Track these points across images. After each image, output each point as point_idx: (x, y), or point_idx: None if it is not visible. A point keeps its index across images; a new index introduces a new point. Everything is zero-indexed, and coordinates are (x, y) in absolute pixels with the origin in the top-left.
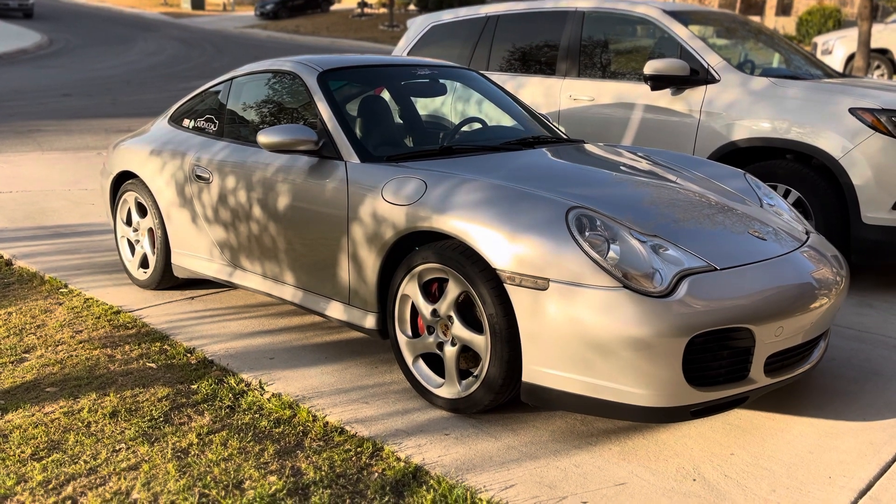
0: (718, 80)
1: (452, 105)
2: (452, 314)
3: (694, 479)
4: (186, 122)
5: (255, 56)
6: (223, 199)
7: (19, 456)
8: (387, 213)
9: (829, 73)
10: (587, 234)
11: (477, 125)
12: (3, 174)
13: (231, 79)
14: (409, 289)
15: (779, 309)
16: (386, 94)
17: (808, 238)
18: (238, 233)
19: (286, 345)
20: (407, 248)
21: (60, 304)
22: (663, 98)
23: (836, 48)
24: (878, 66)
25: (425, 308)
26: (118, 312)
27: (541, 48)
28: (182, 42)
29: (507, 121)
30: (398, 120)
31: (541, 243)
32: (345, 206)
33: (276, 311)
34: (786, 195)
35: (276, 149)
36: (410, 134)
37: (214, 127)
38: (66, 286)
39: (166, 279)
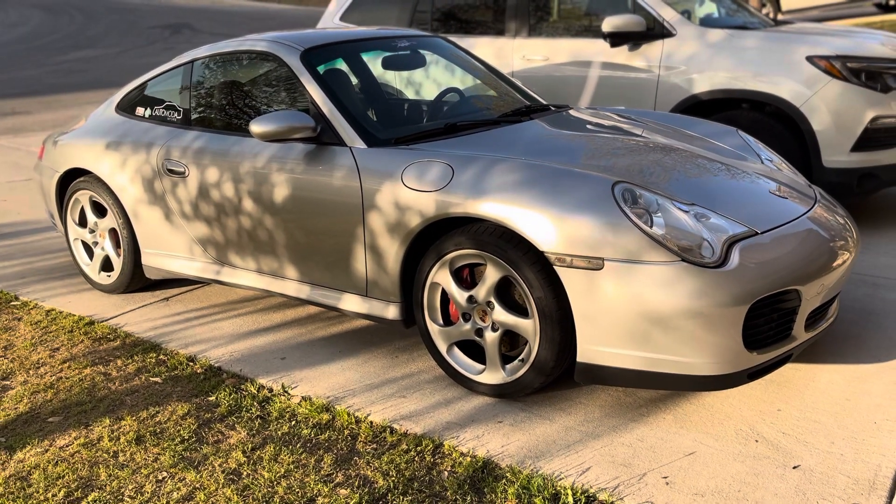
0: (675, 34)
1: (430, 77)
2: (493, 299)
3: (756, 441)
4: (140, 110)
5: (131, 22)
6: (204, 194)
7: (52, 500)
8: (411, 201)
9: (762, 20)
10: (635, 206)
11: (457, 97)
12: None
13: (191, 62)
14: (440, 276)
15: (820, 267)
16: (375, 70)
17: (816, 192)
18: (225, 228)
19: (293, 342)
20: (432, 234)
21: (20, 320)
22: (620, 54)
23: None
24: (764, 5)
25: (460, 295)
26: (91, 323)
27: (488, 7)
28: (44, 10)
29: (486, 90)
30: (391, 97)
31: (591, 222)
32: (358, 195)
33: (265, 306)
34: None
35: (272, 138)
36: (407, 112)
37: (179, 115)
38: (17, 298)
39: (135, 281)
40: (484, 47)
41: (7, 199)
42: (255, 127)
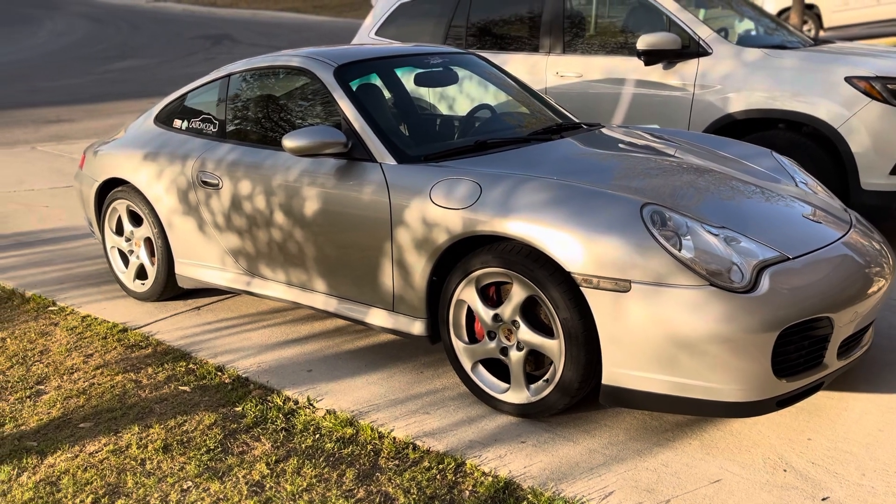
0: (711, 53)
1: (462, 94)
2: (518, 318)
3: (784, 470)
4: (178, 122)
5: (174, 33)
6: (237, 206)
7: None
8: (438, 218)
9: (802, 39)
10: (663, 229)
11: (489, 114)
12: None
13: (228, 76)
14: (466, 294)
15: (854, 294)
16: (408, 86)
17: (851, 217)
18: (256, 240)
19: (320, 354)
20: (459, 252)
21: (56, 325)
22: (655, 72)
23: (767, 3)
24: (805, 21)
25: (485, 313)
26: (125, 330)
27: (522, 23)
28: (92, 20)
29: (518, 108)
30: (423, 114)
31: (619, 244)
32: (386, 211)
33: (294, 317)
34: None
35: (304, 153)
36: (438, 128)
37: (214, 128)
38: (54, 303)
39: (168, 290)
40: (518, 63)
41: (49, 205)
42: (288, 142)
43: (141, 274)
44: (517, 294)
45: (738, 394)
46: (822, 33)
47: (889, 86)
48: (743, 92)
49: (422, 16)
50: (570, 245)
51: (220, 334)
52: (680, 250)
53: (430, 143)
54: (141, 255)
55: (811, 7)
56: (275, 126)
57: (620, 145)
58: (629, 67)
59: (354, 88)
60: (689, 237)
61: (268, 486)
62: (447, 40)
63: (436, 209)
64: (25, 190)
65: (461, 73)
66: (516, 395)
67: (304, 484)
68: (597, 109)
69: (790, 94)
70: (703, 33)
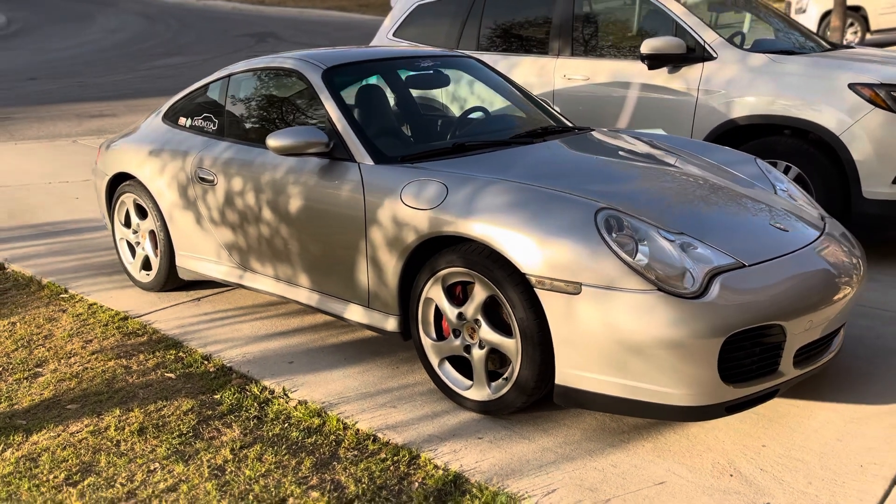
0: (715, 58)
1: (457, 96)
2: (480, 317)
3: (731, 475)
4: (183, 120)
5: (221, 30)
6: (230, 201)
7: (53, 482)
8: (408, 218)
9: (820, 44)
10: (618, 234)
11: (485, 117)
12: None
13: (228, 76)
14: (433, 292)
15: (809, 303)
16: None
17: (825, 225)
18: (247, 235)
19: (303, 347)
20: (428, 251)
21: (64, 312)
22: (660, 76)
23: (811, 6)
24: (851, 24)
25: (450, 311)
26: (126, 318)
27: (532, 26)
28: (144, 17)
29: (512, 111)
30: (407, 116)
31: (571, 247)
32: (361, 210)
33: (286, 311)
34: (786, 171)
35: (287, 152)
36: (421, 130)
37: (214, 126)
38: (66, 291)
39: (171, 281)
40: (527, 66)
41: (80, 196)
42: (272, 141)
43: (146, 265)
44: (479, 293)
45: (686, 398)
46: (868, 36)
47: (893, 93)
48: (746, 97)
49: (438, 17)
50: (526, 247)
51: (213, 325)
52: (635, 255)
53: (409, 145)
54: (146, 247)
55: (857, 9)
56: (267, 125)
57: (602, 150)
58: (635, 71)
59: (345, 90)
60: (645, 242)
61: (229, 470)
62: (460, 42)
63: (405, 209)
64: (60, 182)
65: (456, 75)
66: (478, 392)
67: (263, 469)
68: (602, 113)
69: (793, 101)
70: (709, 38)
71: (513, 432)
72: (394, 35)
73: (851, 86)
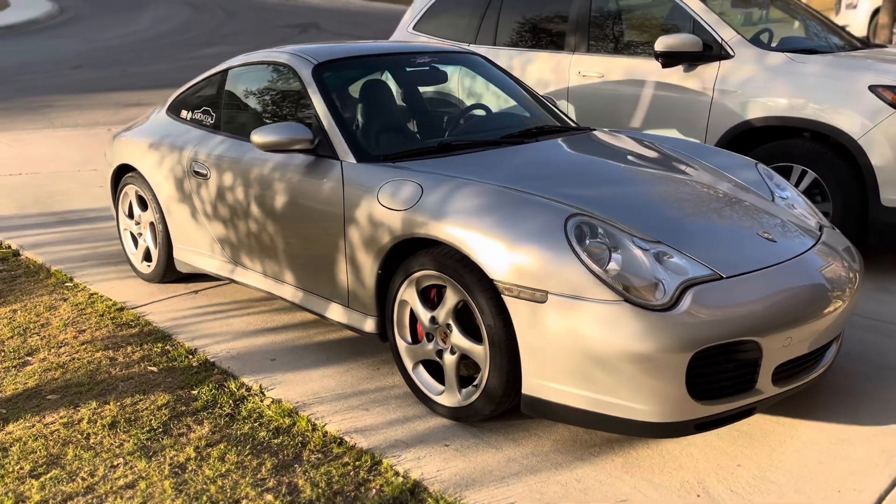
0: (733, 56)
1: (456, 93)
2: (451, 322)
3: (698, 495)
4: (184, 113)
5: (265, 20)
6: (221, 196)
7: (18, 472)
8: (383, 218)
9: (850, 42)
10: (588, 242)
11: (479, 115)
12: (15, 154)
13: (227, 69)
14: (408, 294)
15: (788, 319)
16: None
17: (820, 235)
18: (238, 230)
19: (288, 344)
20: (404, 252)
21: (65, 300)
22: (675, 75)
23: (862, 2)
24: None
25: (424, 315)
26: (122, 309)
27: (549, 21)
28: (192, 7)
29: (511, 109)
30: (398, 113)
31: (539, 254)
32: (341, 208)
33: (279, 306)
34: (802, 176)
35: (271, 148)
36: (411, 129)
37: (211, 120)
38: (71, 280)
39: (169, 273)
40: (543, 62)
41: (104, 185)
42: (256, 137)
43: (147, 256)
44: (450, 298)
45: (652, 414)
46: None
47: None
48: (762, 98)
49: (457, 11)
50: (494, 252)
51: (205, 318)
52: (608, 263)
53: (395, 144)
54: (147, 239)
55: None
56: (258, 120)
57: (594, 152)
58: (650, 69)
59: (336, 86)
60: (619, 250)
61: (189, 468)
62: (478, 37)
63: (381, 209)
64: (89, 170)
65: (457, 72)
66: (449, 398)
67: (223, 469)
68: (616, 111)
69: (810, 102)
70: (727, 35)
71: (481, 440)
72: (414, 28)
73: (872, 88)
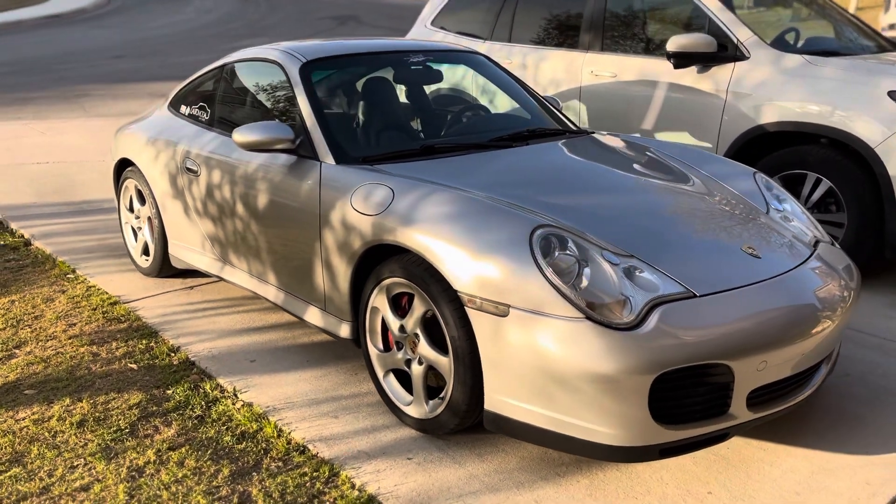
0: (748, 58)
1: (471, 91)
2: (419, 332)
3: None
4: (183, 108)
5: (306, 12)
6: (210, 194)
7: None
8: (355, 222)
9: (882, 44)
10: (556, 254)
11: (472, 117)
12: (46, 142)
13: (223, 65)
14: (379, 301)
15: (763, 342)
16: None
17: (813, 251)
18: (225, 228)
19: (270, 345)
20: (380, 257)
21: (63, 293)
22: (689, 76)
23: None
24: None
25: (394, 323)
26: (115, 303)
27: (564, 19)
28: None
29: (508, 110)
30: (385, 114)
31: (503, 266)
32: (318, 210)
33: (267, 306)
34: (816, 184)
35: (252, 148)
36: (396, 130)
37: (206, 116)
38: (73, 271)
39: (165, 268)
40: (556, 60)
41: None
42: (237, 136)
43: (146, 250)
44: (418, 307)
45: (614, 437)
46: None
47: None
48: (776, 102)
49: (474, 6)
50: (459, 262)
51: (195, 315)
52: (576, 278)
53: (377, 145)
54: (145, 233)
55: None
56: (247, 117)
57: (583, 158)
58: (664, 70)
59: (325, 85)
60: (588, 264)
61: (147, 472)
62: (494, 32)
63: (354, 214)
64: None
65: (456, 71)
66: (417, 409)
67: (180, 475)
68: (627, 112)
69: (825, 107)
70: (743, 36)
71: (445, 455)
72: (431, 24)
73: (891, 93)
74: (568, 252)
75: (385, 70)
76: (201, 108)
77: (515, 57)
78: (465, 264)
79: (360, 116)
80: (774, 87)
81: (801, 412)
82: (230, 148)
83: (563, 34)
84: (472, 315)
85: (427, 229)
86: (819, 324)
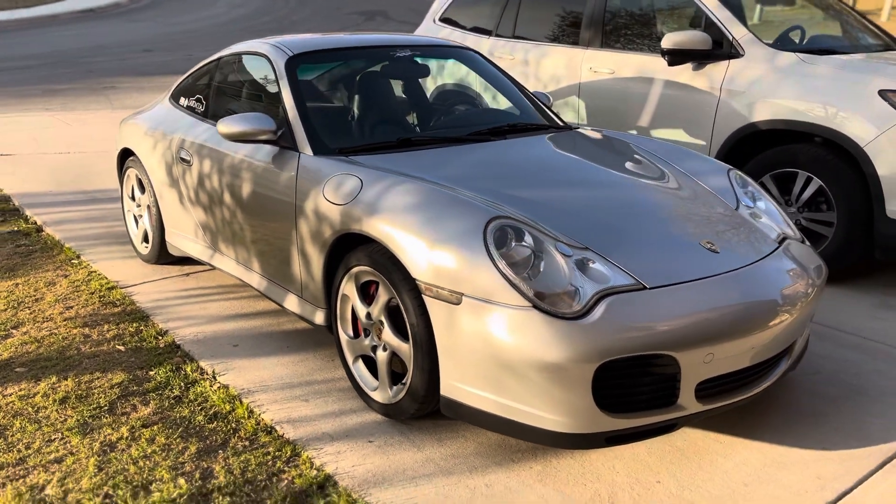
0: (743, 55)
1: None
2: (383, 319)
3: None
4: (182, 100)
5: (334, 7)
6: (201, 183)
7: None
8: (326, 212)
9: (888, 43)
10: (513, 245)
11: (454, 110)
12: (70, 133)
13: (218, 59)
14: (348, 289)
15: (708, 335)
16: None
17: (776, 248)
18: (214, 217)
19: (255, 331)
20: (347, 247)
21: (66, 277)
22: (684, 73)
23: None
24: None
25: (361, 310)
26: (112, 288)
27: (565, 15)
28: None
29: (494, 105)
30: (366, 107)
31: (457, 255)
32: (293, 200)
33: (256, 293)
34: (807, 183)
35: (236, 139)
36: (376, 123)
37: (202, 108)
38: (78, 257)
39: (163, 255)
40: (556, 56)
41: None
42: (221, 127)
43: (146, 238)
44: (382, 295)
45: (561, 424)
46: None
47: None
48: (769, 100)
49: (481, 2)
50: (417, 251)
51: (186, 301)
52: (531, 268)
53: (355, 138)
54: (145, 221)
55: None
56: (239, 110)
57: (558, 152)
58: (660, 67)
59: (311, 78)
60: (542, 255)
61: (119, 448)
62: (499, 27)
63: (326, 203)
64: None
65: (444, 66)
66: (381, 395)
67: (149, 451)
68: (623, 109)
69: (816, 106)
70: (738, 33)
71: (406, 439)
72: (440, 19)
73: (882, 92)
74: (524, 244)
75: (371, 64)
76: (197, 100)
77: (518, 53)
78: (423, 253)
79: (342, 109)
80: (767, 85)
81: (761, 407)
82: (220, 139)
83: (565, 31)
84: (429, 303)
85: (389, 219)
86: (773, 318)
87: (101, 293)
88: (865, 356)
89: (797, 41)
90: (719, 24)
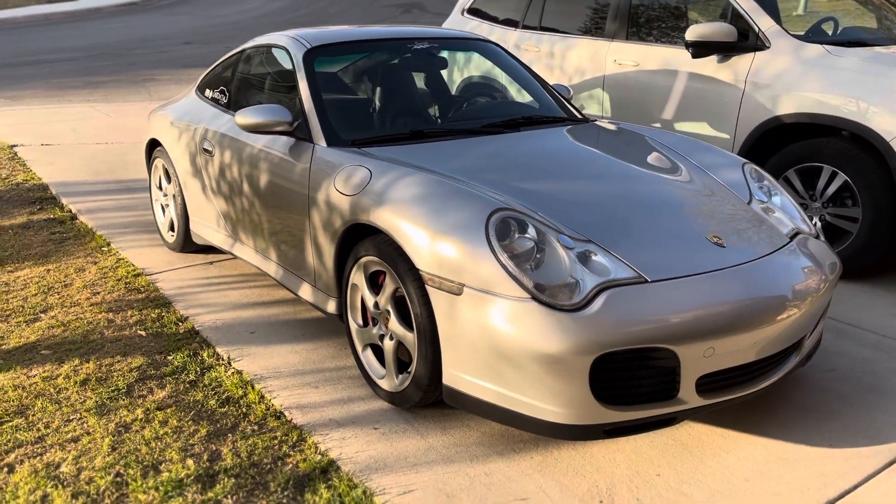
0: (769, 47)
1: (459, 80)
2: (390, 308)
3: (601, 501)
4: (207, 92)
5: (372, 0)
6: (223, 173)
7: None
8: (337, 202)
9: None
10: (516, 237)
11: (472, 103)
12: (109, 124)
13: (242, 51)
14: (357, 278)
15: (709, 329)
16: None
17: (787, 243)
18: (235, 206)
19: (272, 319)
20: (357, 237)
21: (95, 264)
22: (709, 65)
23: None
24: None
25: (369, 299)
26: (139, 275)
27: (591, 7)
28: None
29: (512, 97)
30: (382, 99)
31: (459, 246)
32: (307, 191)
33: (275, 282)
34: (832, 178)
35: (253, 130)
36: (390, 115)
37: (225, 99)
38: (108, 244)
39: (188, 244)
40: (582, 48)
41: None
42: (239, 118)
43: (172, 226)
44: (389, 284)
45: (559, 415)
46: None
47: None
48: (793, 93)
49: None
50: (421, 241)
51: (209, 289)
52: (531, 259)
53: (369, 129)
54: (171, 210)
55: None
56: (260, 101)
57: (570, 144)
58: (685, 59)
59: (329, 70)
60: (544, 247)
61: (134, 429)
62: (526, 18)
63: (336, 194)
64: None
65: (464, 58)
66: (388, 382)
67: (161, 432)
68: (648, 102)
69: (841, 99)
70: (765, 25)
71: (410, 427)
72: (468, 11)
73: None
74: (527, 235)
75: (388, 57)
76: (221, 91)
77: (544, 45)
78: (426, 244)
79: (357, 101)
80: (792, 78)
81: (770, 402)
82: (240, 130)
83: (591, 22)
84: (432, 293)
85: (395, 210)
86: (778, 314)
87: (128, 280)
88: (883, 354)
89: (829, 33)
90: (746, 15)
